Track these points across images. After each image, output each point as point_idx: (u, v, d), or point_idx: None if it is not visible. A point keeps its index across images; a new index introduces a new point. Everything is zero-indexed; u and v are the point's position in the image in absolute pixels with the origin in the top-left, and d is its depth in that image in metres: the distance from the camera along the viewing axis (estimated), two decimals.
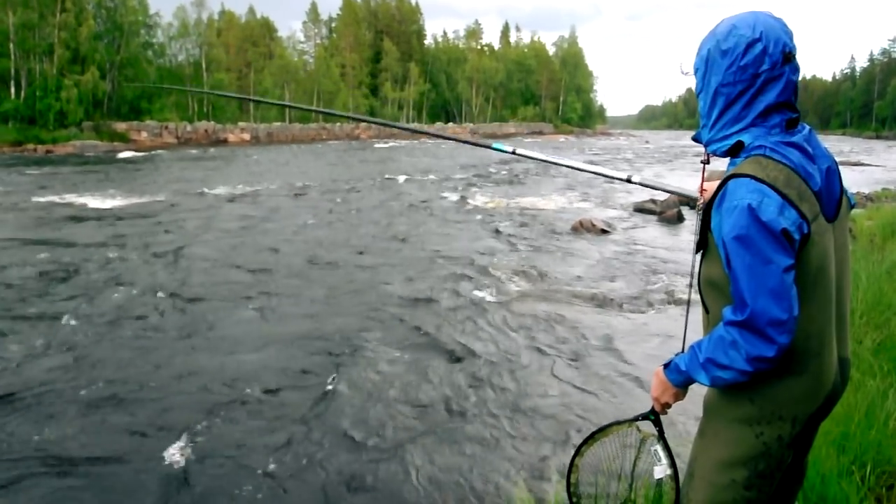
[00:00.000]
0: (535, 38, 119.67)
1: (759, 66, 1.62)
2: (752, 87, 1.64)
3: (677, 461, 2.09)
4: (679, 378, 1.80)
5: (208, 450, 4.62)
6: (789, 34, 1.65)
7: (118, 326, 7.23)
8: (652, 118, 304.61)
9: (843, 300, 1.78)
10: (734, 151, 1.70)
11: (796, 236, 1.57)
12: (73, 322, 7.31)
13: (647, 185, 2.51)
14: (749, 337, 1.58)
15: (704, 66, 1.71)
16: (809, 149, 1.68)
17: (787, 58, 1.63)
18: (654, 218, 15.77)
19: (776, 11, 1.71)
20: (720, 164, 1.85)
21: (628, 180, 2.48)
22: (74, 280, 9.20)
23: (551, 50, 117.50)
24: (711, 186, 2.21)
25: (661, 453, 2.06)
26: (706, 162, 1.87)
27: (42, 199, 18.07)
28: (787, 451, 1.73)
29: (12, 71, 50.17)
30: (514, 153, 2.71)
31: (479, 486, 4.22)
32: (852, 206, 1.90)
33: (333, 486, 4.22)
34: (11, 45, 50.03)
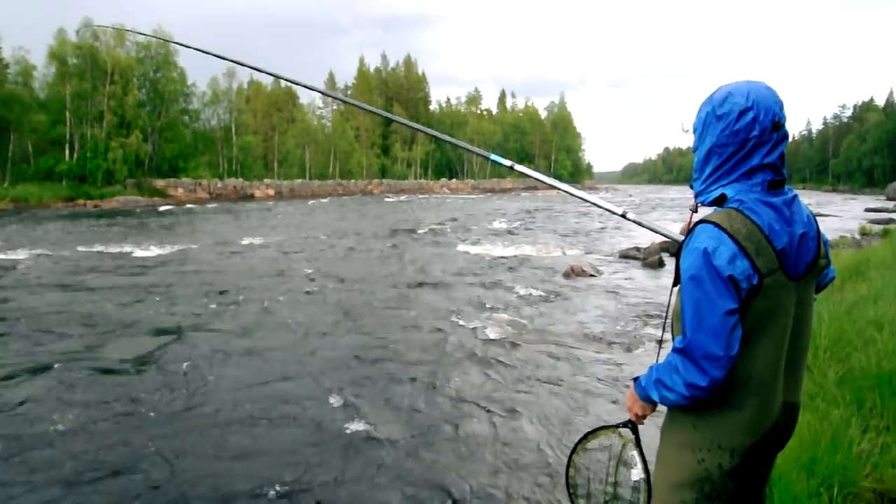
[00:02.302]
0: (529, 104, 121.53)
1: (749, 132, 1.64)
2: (742, 149, 1.66)
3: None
4: (642, 392, 1.82)
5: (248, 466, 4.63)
6: (780, 104, 1.67)
7: (158, 364, 7.27)
8: (634, 174, 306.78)
9: (799, 350, 1.77)
10: (718, 202, 1.72)
11: (744, 285, 1.58)
12: (121, 359, 7.37)
13: (640, 224, 2.43)
14: (687, 365, 1.61)
15: (702, 127, 1.73)
16: (787, 212, 1.68)
17: (776, 126, 1.65)
18: (638, 263, 15.81)
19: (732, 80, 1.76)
20: (696, 215, 1.89)
21: (623, 216, 2.41)
22: (119, 320, 9.26)
23: (543, 114, 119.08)
24: None
25: (637, 458, 2.09)
26: (694, 210, 1.88)
27: (91, 249, 18.21)
28: (728, 481, 1.70)
29: (67, 135, 51.08)
30: (511, 168, 2.65)
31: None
32: (831, 279, 1.91)
33: (349, 489, 4.23)
34: (67, 113, 51.07)
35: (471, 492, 4.39)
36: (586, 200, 2.52)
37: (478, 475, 4.64)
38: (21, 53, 52.38)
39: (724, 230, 1.60)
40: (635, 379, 1.86)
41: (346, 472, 4.68)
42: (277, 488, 4.41)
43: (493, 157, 2.69)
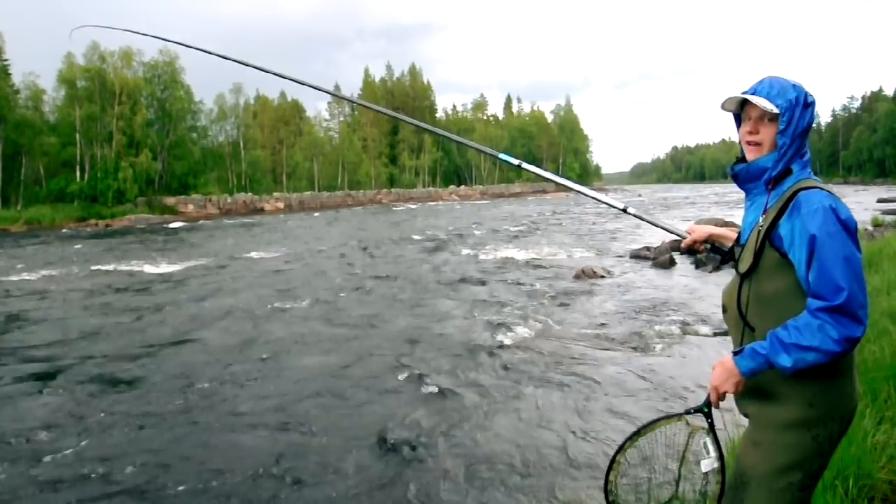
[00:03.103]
0: (535, 108, 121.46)
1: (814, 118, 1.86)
2: (808, 133, 1.84)
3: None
4: (752, 364, 1.72)
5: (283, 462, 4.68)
6: None
7: (177, 377, 7.34)
8: (643, 174, 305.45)
9: None
10: (781, 177, 1.83)
11: None
12: (138, 374, 7.45)
13: (641, 218, 2.43)
14: (842, 319, 1.61)
15: (793, 111, 1.80)
16: None
17: None
18: (648, 263, 15.77)
19: (752, 76, 1.84)
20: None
21: (624, 210, 2.41)
22: (135, 335, 9.36)
23: (550, 117, 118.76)
24: (698, 228, 2.29)
25: (711, 446, 1.95)
26: (771, 188, 1.87)
27: (103, 267, 18.41)
28: (832, 451, 1.77)
29: (78, 157, 51.82)
30: (519, 167, 2.69)
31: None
32: None
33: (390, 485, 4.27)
34: (77, 135, 51.78)
35: (490, 490, 4.41)
36: (588, 196, 2.56)
37: (497, 473, 4.69)
38: (31, 79, 53.19)
39: (828, 191, 1.72)
40: (738, 352, 1.76)
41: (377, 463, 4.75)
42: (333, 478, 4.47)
43: (502, 155, 2.71)
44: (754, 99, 1.82)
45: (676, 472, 2.05)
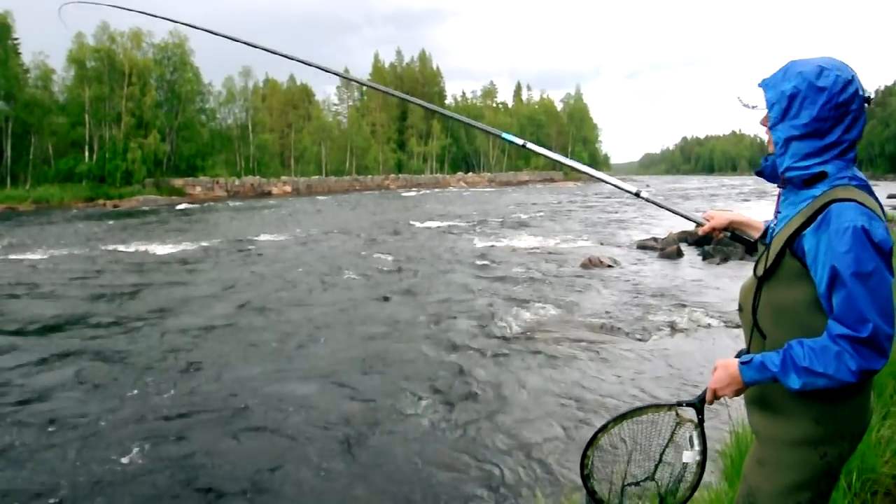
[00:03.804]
0: (545, 96, 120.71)
1: (850, 105, 1.56)
2: (840, 123, 1.56)
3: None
4: (758, 376, 1.63)
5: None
6: None
7: (171, 358, 7.39)
8: (651, 164, 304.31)
9: None
10: (814, 180, 1.61)
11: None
12: (142, 351, 7.51)
13: (653, 202, 2.31)
14: (864, 351, 1.48)
15: (788, 102, 1.59)
16: None
17: (868, 101, 1.59)
18: (655, 254, 15.71)
19: (765, 67, 1.67)
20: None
21: (637, 195, 2.30)
22: (146, 315, 9.42)
23: (559, 106, 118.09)
24: (718, 213, 2.09)
25: (696, 440, 1.95)
26: (783, 187, 1.71)
27: (112, 248, 18.49)
28: (841, 469, 1.67)
29: (87, 137, 52.04)
30: (523, 147, 2.58)
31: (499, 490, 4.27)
32: None
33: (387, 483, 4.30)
34: (86, 116, 51.95)
35: (477, 470, 4.44)
36: (599, 178, 2.48)
37: (488, 455, 4.72)
38: (41, 58, 53.24)
39: (865, 206, 1.52)
40: (745, 362, 1.66)
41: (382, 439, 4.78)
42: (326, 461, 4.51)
43: (506, 135, 2.65)
44: (740, 95, 1.68)
45: (657, 457, 2.05)
